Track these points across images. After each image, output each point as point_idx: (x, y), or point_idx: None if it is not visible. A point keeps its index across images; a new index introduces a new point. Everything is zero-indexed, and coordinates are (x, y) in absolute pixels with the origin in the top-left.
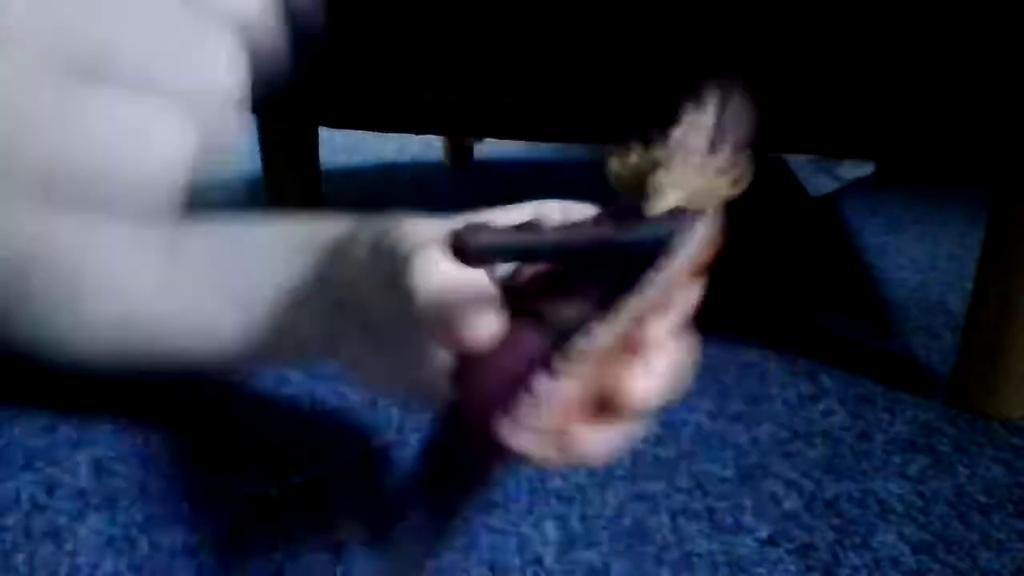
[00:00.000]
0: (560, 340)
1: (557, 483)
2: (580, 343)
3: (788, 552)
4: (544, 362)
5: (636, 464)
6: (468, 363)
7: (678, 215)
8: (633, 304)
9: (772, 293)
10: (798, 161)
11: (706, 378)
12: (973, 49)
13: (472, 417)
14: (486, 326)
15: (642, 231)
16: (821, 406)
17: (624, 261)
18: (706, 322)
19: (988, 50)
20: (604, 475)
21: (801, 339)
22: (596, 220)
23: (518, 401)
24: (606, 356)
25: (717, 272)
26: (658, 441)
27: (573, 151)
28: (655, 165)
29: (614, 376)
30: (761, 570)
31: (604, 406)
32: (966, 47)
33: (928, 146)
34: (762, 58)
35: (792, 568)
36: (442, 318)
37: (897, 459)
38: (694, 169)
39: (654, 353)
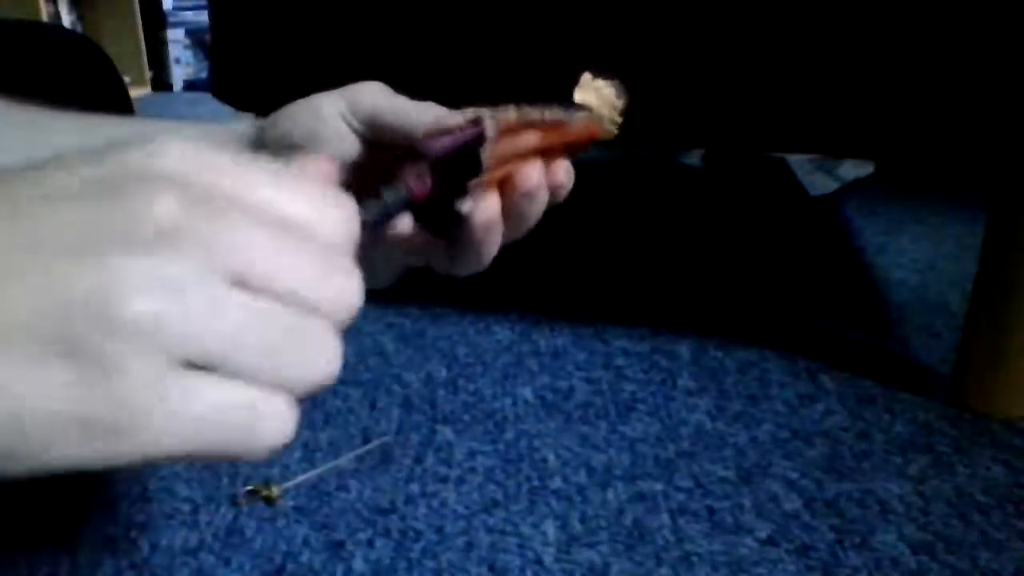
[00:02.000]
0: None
1: (557, 483)
2: (497, 116)
3: (788, 552)
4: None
5: (636, 464)
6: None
7: (582, 107)
8: (533, 113)
9: (772, 293)
10: (798, 161)
11: (706, 378)
12: (972, 51)
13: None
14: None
15: (564, 104)
16: (821, 406)
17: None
18: (706, 322)
19: (987, 52)
20: (604, 475)
21: (801, 339)
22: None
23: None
24: (513, 152)
25: (717, 273)
26: (658, 441)
27: None
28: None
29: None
30: (761, 570)
31: (502, 187)
32: (966, 49)
33: (928, 146)
34: (764, 59)
35: (792, 568)
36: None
37: (897, 459)
38: (597, 96)
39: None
